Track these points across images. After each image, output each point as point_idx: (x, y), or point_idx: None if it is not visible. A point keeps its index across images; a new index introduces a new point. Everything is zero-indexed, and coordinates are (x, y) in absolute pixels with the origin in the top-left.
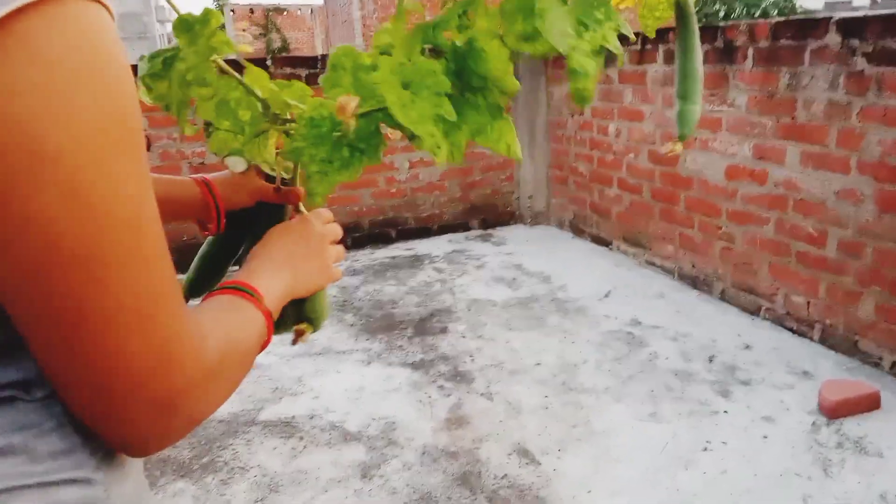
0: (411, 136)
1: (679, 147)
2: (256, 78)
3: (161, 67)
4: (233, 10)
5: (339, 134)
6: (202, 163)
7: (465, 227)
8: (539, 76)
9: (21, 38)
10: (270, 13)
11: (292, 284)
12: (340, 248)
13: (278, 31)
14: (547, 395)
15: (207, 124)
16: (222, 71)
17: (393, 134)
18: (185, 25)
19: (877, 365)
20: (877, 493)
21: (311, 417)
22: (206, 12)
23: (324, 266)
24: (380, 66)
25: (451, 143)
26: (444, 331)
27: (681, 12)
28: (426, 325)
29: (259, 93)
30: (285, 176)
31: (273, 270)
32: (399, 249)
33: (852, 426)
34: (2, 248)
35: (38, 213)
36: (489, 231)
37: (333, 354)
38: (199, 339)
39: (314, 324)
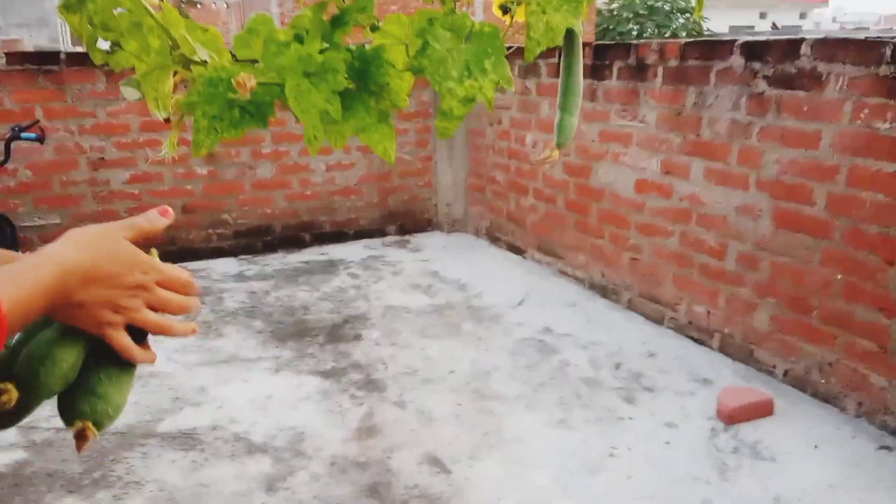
0: (298, 120)
1: (556, 154)
2: (172, 21)
3: (75, 1)
4: None
5: (234, 96)
6: (101, 158)
7: (381, 233)
8: None
9: None
10: (184, 6)
11: (57, 296)
12: (183, 305)
13: None
14: (460, 402)
15: (115, 44)
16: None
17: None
18: None
19: (770, 373)
20: (771, 496)
21: (214, 429)
22: None
23: (123, 306)
24: (290, 51)
25: (336, 132)
26: (357, 338)
27: (570, 34)
28: (339, 332)
29: (172, 33)
30: (170, 116)
31: (40, 266)
32: (313, 254)
33: (748, 431)
34: None
35: None
36: (406, 237)
37: (239, 362)
38: None
39: (101, 419)
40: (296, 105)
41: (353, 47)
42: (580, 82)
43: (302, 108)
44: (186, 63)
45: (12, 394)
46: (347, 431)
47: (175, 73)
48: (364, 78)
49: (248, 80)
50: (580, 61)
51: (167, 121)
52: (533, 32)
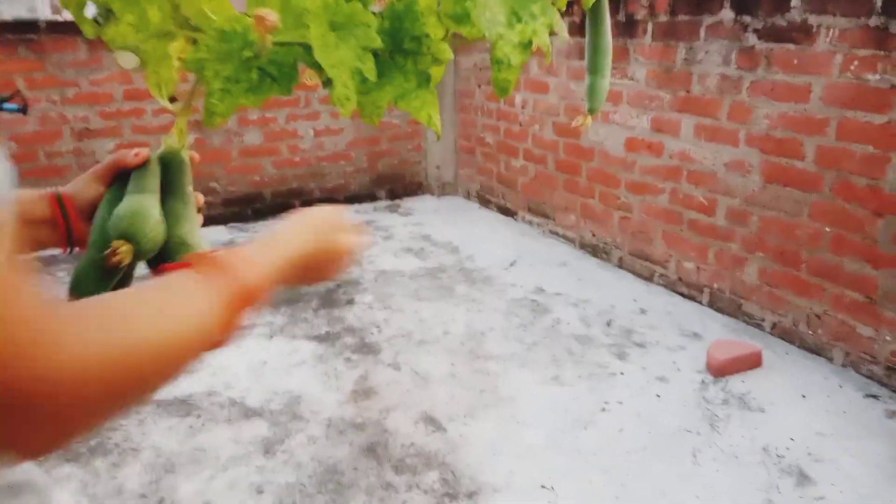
0: (325, 82)
1: (588, 120)
2: None
3: None
4: None
5: (250, 54)
6: (86, 128)
7: (372, 198)
8: None
9: None
10: None
11: (287, 279)
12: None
13: None
14: (454, 363)
15: (108, 10)
16: None
17: (310, 80)
18: None
19: (759, 326)
20: (760, 445)
21: (210, 394)
22: None
23: (326, 273)
24: None
25: (371, 103)
26: (350, 302)
27: None
28: (332, 296)
29: None
30: (176, 97)
31: (279, 258)
32: None
33: (737, 383)
34: None
35: None
36: (397, 202)
37: None
38: (64, 327)
39: (136, 242)
40: (324, 57)
41: (381, 9)
42: (609, 40)
43: (331, 62)
44: (189, 27)
45: (125, 248)
46: (343, 394)
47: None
48: (397, 37)
49: (269, 15)
50: (607, 17)
51: (173, 100)
52: None
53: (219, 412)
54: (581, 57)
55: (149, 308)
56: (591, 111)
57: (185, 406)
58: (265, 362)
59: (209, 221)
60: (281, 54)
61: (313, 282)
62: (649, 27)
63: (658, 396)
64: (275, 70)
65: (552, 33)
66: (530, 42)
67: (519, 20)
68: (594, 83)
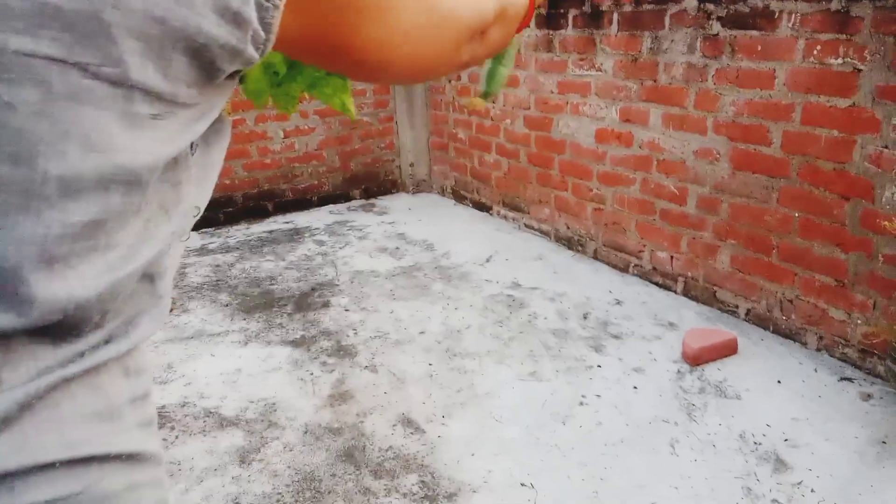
0: (240, 78)
1: (481, 103)
2: None
3: None
4: None
5: None
6: None
7: (346, 198)
8: None
9: None
10: None
11: None
12: None
13: None
14: (431, 362)
15: None
16: None
17: None
18: None
19: (733, 313)
20: (737, 433)
21: (184, 405)
22: None
23: None
24: None
25: (284, 94)
26: (326, 305)
27: None
28: (307, 300)
29: None
30: None
31: None
32: (277, 223)
33: (713, 371)
34: None
35: None
36: (371, 200)
37: (206, 337)
38: None
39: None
40: None
41: None
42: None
43: None
44: None
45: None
46: (320, 399)
47: None
48: None
49: None
50: None
51: None
52: None
53: (193, 423)
54: (548, 49)
55: None
56: (486, 95)
57: (158, 419)
58: (240, 370)
59: None
60: None
61: None
62: (615, 17)
63: (635, 388)
64: None
65: None
66: None
67: None
68: (494, 69)
